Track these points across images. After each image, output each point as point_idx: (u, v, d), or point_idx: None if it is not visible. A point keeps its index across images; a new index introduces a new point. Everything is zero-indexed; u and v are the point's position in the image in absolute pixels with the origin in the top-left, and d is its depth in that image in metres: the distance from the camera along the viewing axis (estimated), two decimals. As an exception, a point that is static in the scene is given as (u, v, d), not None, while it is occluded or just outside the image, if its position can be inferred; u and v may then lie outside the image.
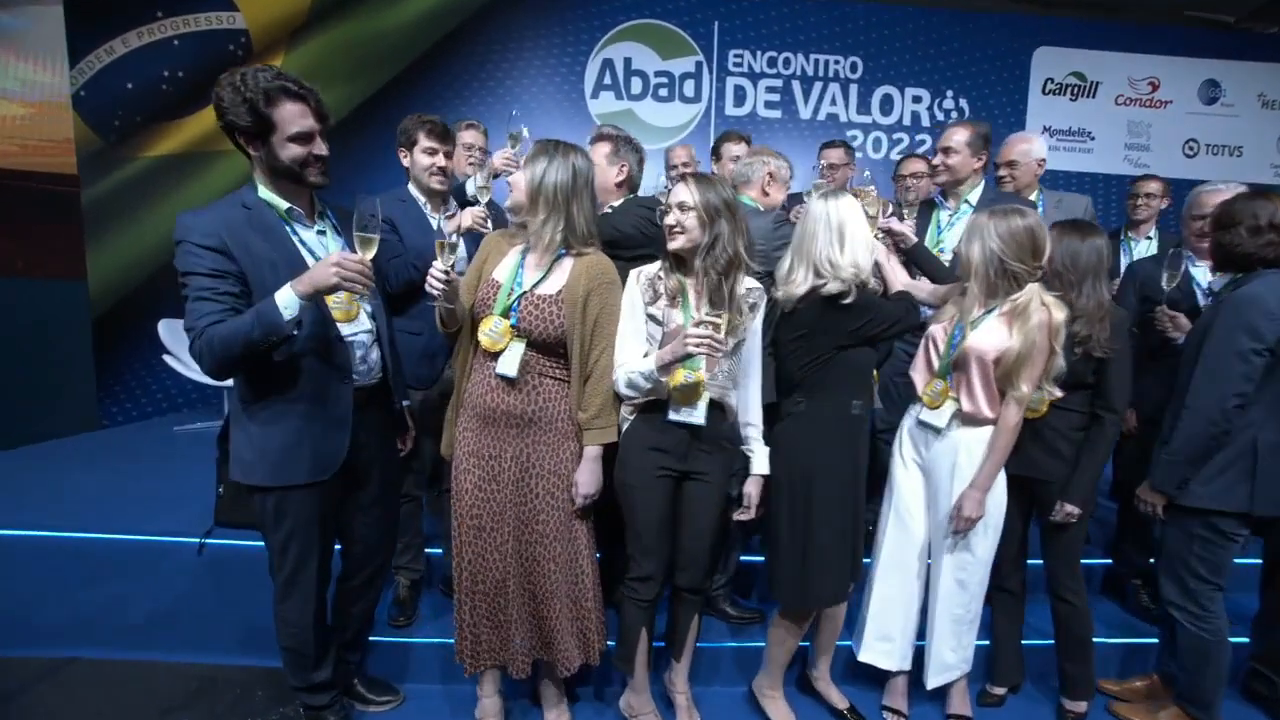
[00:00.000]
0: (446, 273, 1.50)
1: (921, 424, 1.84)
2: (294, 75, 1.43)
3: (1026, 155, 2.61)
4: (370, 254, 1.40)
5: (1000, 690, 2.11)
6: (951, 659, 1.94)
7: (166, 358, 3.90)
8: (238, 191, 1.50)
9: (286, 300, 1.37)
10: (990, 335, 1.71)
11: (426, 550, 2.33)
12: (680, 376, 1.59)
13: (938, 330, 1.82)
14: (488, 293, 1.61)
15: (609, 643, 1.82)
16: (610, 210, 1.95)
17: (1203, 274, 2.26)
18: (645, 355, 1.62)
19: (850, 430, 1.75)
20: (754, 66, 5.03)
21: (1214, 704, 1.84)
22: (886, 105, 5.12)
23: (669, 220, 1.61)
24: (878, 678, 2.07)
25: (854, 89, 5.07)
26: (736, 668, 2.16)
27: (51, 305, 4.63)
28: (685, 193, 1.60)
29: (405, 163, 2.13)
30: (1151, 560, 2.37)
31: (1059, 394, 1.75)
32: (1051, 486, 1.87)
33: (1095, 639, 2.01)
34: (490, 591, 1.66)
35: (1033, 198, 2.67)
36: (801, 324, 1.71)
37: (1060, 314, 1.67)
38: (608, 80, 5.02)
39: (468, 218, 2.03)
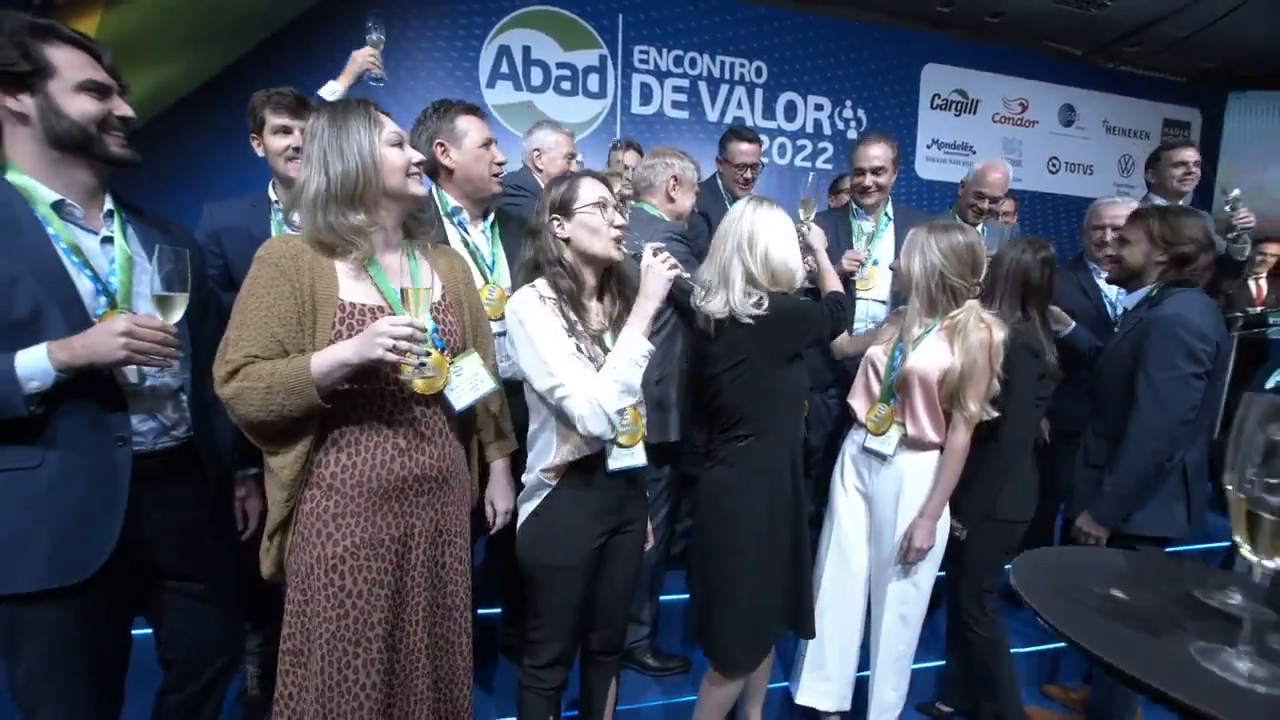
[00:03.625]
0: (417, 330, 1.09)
1: (866, 450, 1.70)
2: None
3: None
4: (175, 317, 1.07)
5: (947, 708, 2.06)
6: (892, 698, 1.82)
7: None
8: None
9: (34, 368, 0.99)
10: (931, 355, 1.61)
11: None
12: (634, 410, 1.38)
13: (877, 352, 1.69)
14: (367, 321, 1.17)
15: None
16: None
17: (1103, 281, 2.33)
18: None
19: (798, 463, 1.56)
20: (660, 65, 4.85)
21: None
22: (790, 111, 5.14)
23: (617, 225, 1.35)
24: (809, 715, 1.92)
25: (759, 93, 5.04)
26: (664, 727, 1.92)
27: None
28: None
29: (259, 151, 1.70)
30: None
31: (995, 414, 1.66)
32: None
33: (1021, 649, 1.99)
34: (381, 709, 1.25)
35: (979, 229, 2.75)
36: (736, 347, 1.49)
37: (1000, 333, 1.59)
38: (505, 69, 4.63)
39: (360, 58, 1.86)
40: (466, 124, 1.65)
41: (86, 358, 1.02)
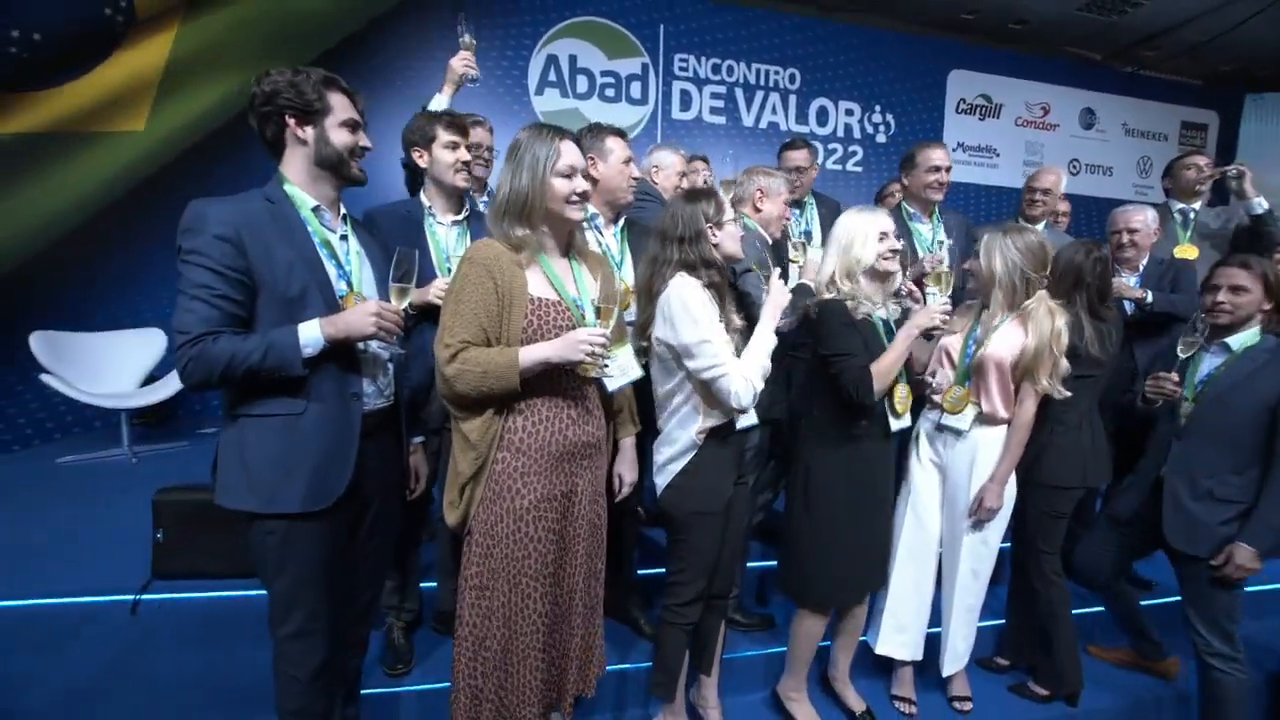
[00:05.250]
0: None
1: (942, 428, 1.92)
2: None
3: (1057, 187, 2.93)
4: (404, 304, 1.37)
5: (1005, 661, 2.29)
6: (962, 647, 2.04)
7: (45, 377, 3.27)
8: (259, 188, 1.36)
9: (310, 338, 1.27)
10: (1007, 340, 1.83)
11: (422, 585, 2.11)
12: None
13: (953, 341, 1.91)
14: (550, 313, 1.41)
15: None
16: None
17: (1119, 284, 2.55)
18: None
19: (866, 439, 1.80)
20: (699, 72, 5.08)
21: None
22: (822, 116, 5.36)
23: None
24: (885, 667, 2.14)
25: (793, 99, 5.27)
26: (752, 675, 2.14)
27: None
28: None
29: (422, 163, 1.90)
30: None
31: (1067, 394, 1.88)
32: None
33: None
34: (543, 642, 1.48)
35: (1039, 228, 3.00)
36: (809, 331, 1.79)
37: (1062, 318, 1.82)
38: (553, 77, 4.87)
39: (457, 65, 2.09)
40: (614, 144, 1.91)
41: (345, 332, 1.29)
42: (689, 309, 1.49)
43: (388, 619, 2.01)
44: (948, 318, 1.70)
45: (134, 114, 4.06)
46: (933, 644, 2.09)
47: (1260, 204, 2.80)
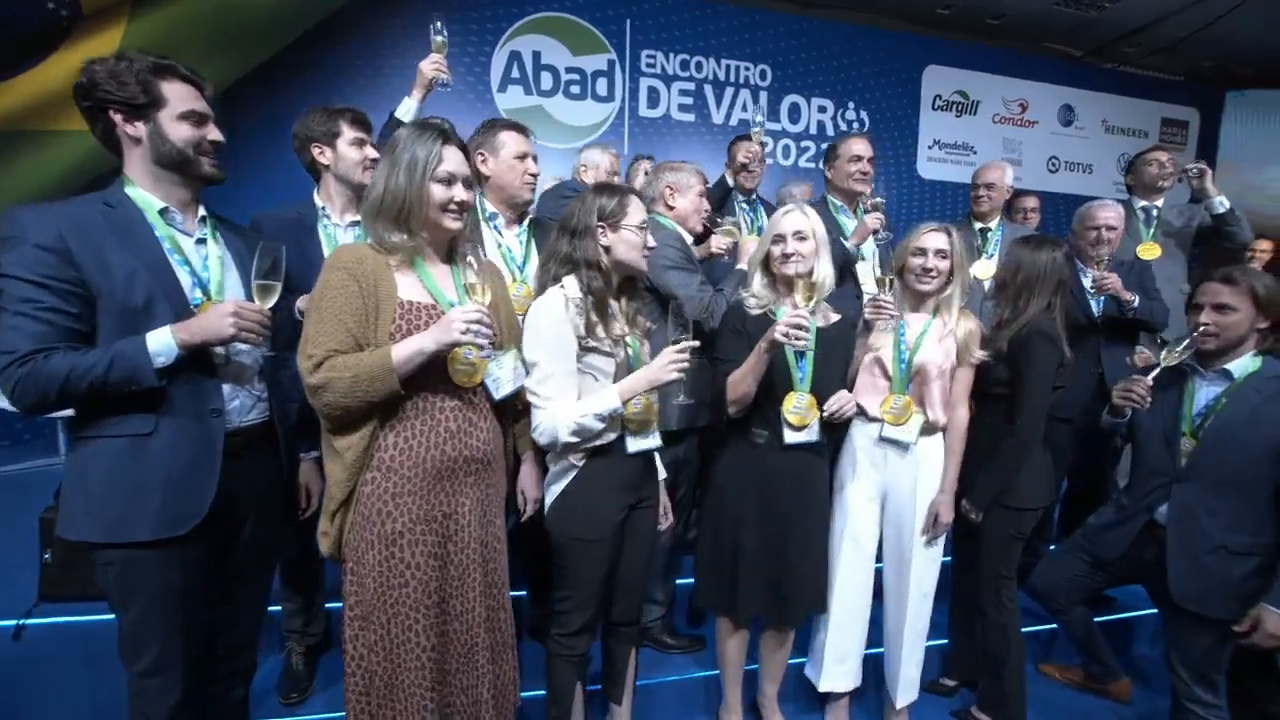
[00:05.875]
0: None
1: (885, 441, 1.80)
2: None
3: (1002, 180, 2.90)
4: (270, 303, 1.25)
5: (952, 682, 2.19)
6: (915, 674, 1.94)
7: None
8: (99, 192, 1.26)
9: (161, 345, 1.16)
10: (939, 344, 1.75)
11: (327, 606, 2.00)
12: (646, 400, 1.48)
13: (884, 350, 1.79)
14: (421, 317, 1.29)
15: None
16: None
17: (1088, 281, 2.45)
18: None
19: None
20: (667, 68, 4.96)
21: None
22: (794, 113, 5.25)
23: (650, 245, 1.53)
24: (819, 695, 2.03)
25: (764, 96, 5.15)
26: (693, 699, 2.04)
27: None
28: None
29: (324, 160, 1.79)
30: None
31: (1004, 391, 1.81)
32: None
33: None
34: (432, 678, 1.35)
35: (991, 225, 2.93)
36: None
37: (970, 323, 1.77)
38: (515, 74, 4.74)
39: (427, 69, 1.98)
40: (507, 138, 1.79)
41: (201, 335, 1.18)
42: (538, 329, 1.41)
43: (288, 643, 1.91)
44: (801, 332, 1.45)
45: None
46: (871, 665, 1.99)
47: (1221, 203, 2.70)
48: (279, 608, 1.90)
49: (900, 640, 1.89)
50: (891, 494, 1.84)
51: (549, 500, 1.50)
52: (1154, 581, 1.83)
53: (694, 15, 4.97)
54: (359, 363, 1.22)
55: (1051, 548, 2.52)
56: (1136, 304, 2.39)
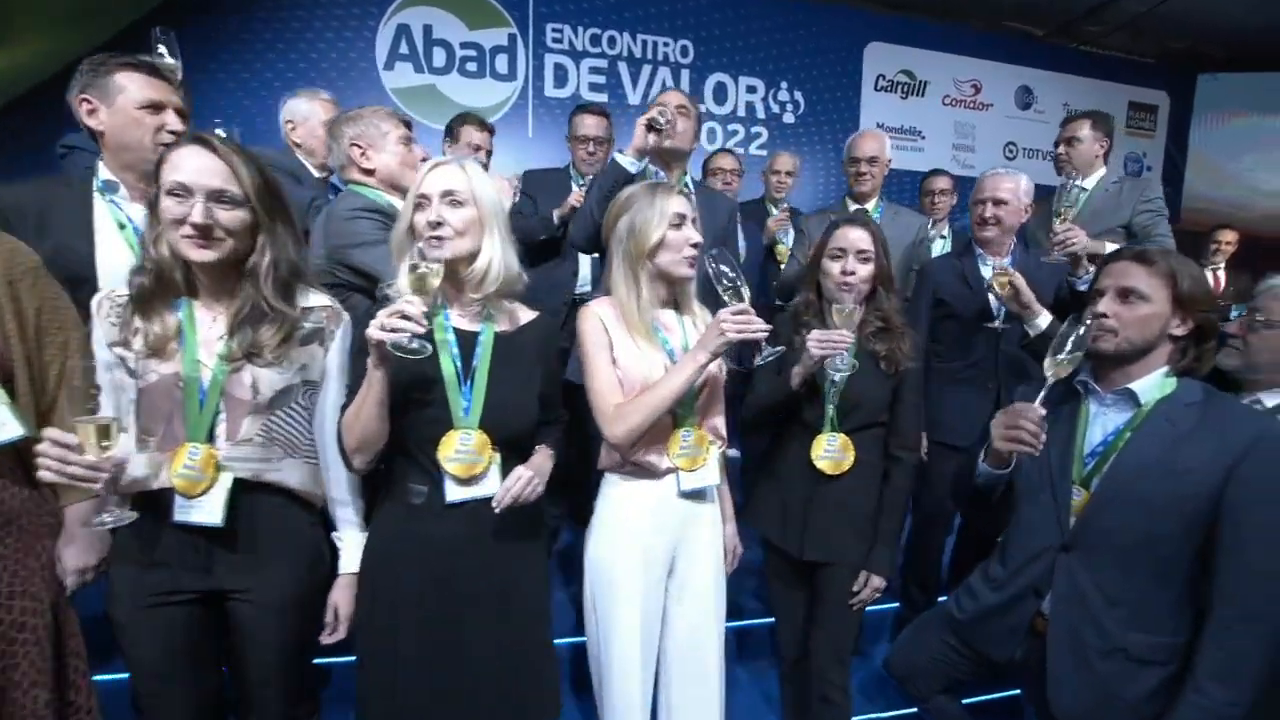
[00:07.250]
0: None
1: (682, 495, 1.35)
2: None
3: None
4: None
5: None
6: None
7: None
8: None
9: None
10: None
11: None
12: None
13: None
14: None
15: None
16: None
17: (988, 271, 1.98)
18: None
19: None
20: (575, 44, 4.49)
21: None
22: (720, 94, 4.78)
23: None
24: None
25: (685, 74, 4.67)
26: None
27: None
28: None
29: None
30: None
31: None
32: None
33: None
34: None
35: (869, 207, 2.44)
36: None
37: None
38: (404, 49, 4.27)
39: None
40: (126, 80, 1.30)
41: None
42: None
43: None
44: (403, 323, 0.97)
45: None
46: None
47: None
48: None
49: None
50: (686, 551, 1.40)
51: None
52: (1032, 687, 1.33)
53: (605, -16, 4.50)
54: None
55: (942, 598, 2.04)
56: (1087, 276, 1.79)
